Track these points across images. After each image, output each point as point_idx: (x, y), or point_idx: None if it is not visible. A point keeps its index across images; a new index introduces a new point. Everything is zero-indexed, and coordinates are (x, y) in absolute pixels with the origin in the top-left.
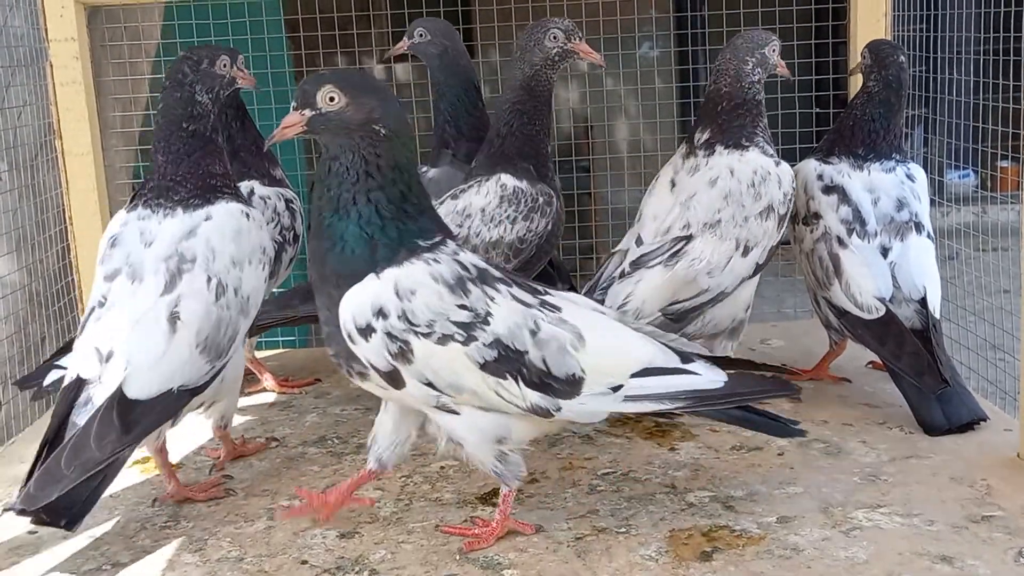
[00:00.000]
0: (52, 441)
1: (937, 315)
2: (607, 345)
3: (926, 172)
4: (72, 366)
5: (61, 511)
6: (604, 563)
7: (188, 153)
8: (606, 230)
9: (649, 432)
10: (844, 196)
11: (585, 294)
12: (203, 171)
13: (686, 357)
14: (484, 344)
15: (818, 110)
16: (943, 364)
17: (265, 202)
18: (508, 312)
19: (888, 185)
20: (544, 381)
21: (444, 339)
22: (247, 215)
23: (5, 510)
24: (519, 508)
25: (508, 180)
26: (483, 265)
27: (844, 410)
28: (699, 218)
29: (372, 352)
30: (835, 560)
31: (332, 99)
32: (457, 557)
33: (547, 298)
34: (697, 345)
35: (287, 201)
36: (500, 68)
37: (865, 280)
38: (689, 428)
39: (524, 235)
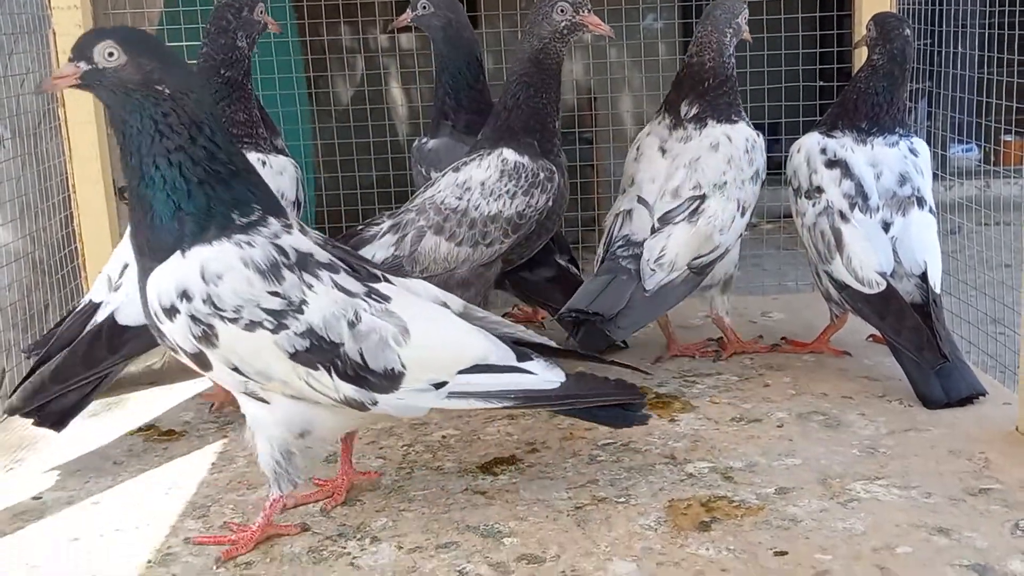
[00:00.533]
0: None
1: (938, 290)
2: (434, 340)
3: (930, 146)
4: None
5: (50, 415)
6: (603, 532)
7: (218, 100)
8: (608, 202)
9: (649, 403)
10: (847, 170)
11: (603, 254)
12: (226, 119)
13: (523, 355)
14: (295, 333)
15: (822, 83)
16: (943, 339)
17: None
18: (326, 301)
19: (891, 159)
20: (360, 374)
21: (252, 325)
22: (263, 163)
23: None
24: (520, 478)
25: (510, 155)
26: (306, 249)
27: (844, 383)
28: (709, 179)
29: (177, 333)
30: (833, 531)
31: (111, 55)
32: (458, 526)
33: (379, 287)
34: (546, 339)
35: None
36: (504, 39)
37: (866, 255)
38: (689, 400)
39: (523, 210)
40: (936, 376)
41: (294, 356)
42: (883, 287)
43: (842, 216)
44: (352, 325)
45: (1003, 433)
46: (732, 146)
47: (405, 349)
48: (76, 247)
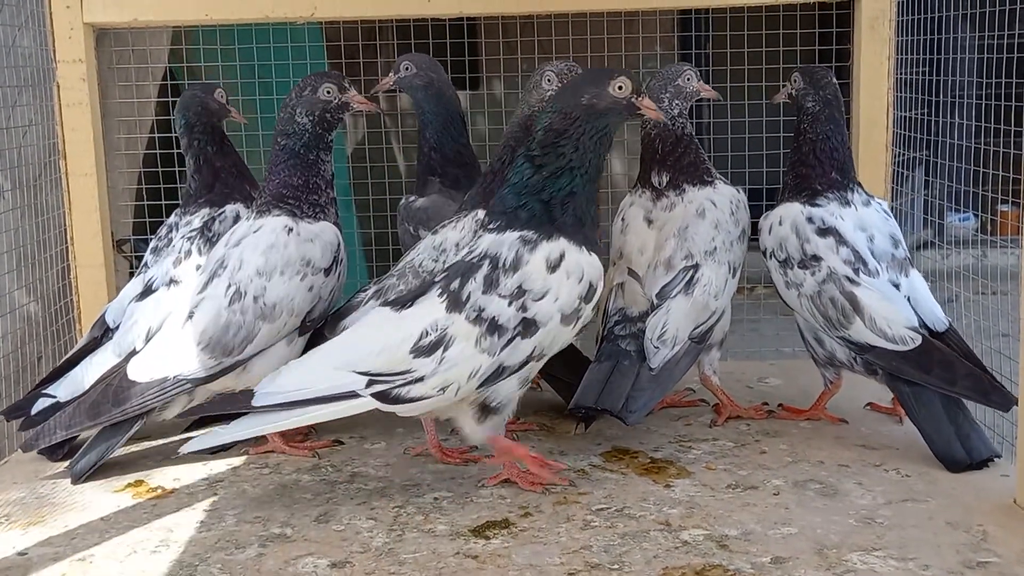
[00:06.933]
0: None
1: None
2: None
3: (926, 214)
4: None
5: (78, 470)
6: None
7: (276, 163)
8: (604, 264)
9: (644, 468)
10: (840, 238)
11: (602, 330)
12: (280, 181)
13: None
14: None
15: None
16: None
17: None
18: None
19: (878, 222)
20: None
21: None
22: (290, 229)
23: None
24: (512, 542)
25: (484, 215)
26: None
27: (840, 451)
28: (699, 247)
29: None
30: None
31: None
32: None
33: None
34: None
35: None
36: (504, 99)
37: (891, 313)
38: (684, 466)
39: None
40: (956, 438)
41: None
42: (919, 341)
43: (850, 280)
44: None
45: (1001, 505)
46: (718, 210)
47: None
48: (72, 299)
